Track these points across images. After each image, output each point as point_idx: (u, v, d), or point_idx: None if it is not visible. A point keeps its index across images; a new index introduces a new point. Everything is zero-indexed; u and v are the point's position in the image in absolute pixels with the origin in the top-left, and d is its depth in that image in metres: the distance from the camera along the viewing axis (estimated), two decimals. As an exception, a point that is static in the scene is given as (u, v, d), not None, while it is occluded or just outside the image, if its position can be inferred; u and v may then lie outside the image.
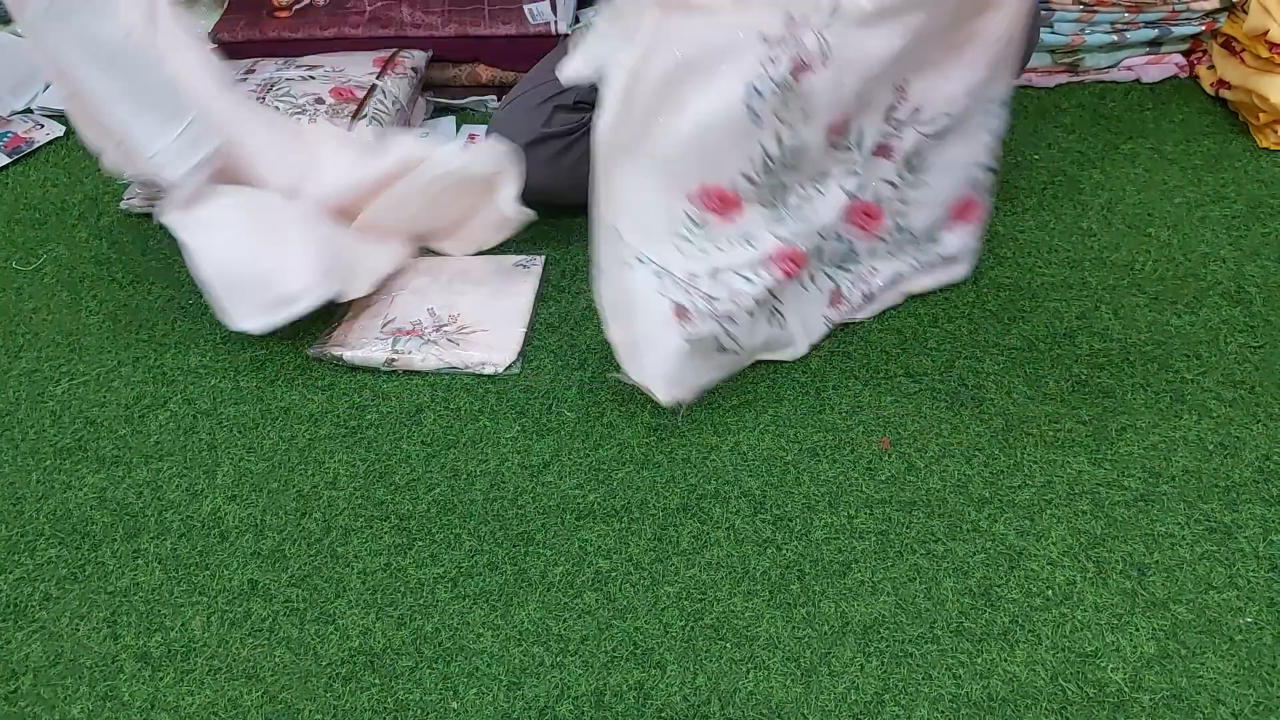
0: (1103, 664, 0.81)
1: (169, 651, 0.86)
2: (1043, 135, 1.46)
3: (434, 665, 0.84)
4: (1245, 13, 1.41)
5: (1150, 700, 0.79)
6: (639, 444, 1.02)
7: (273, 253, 1.11)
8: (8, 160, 1.52)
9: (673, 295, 0.97)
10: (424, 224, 1.26)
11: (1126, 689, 0.80)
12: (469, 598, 0.89)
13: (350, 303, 1.21)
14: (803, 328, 1.08)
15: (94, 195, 1.42)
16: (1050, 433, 1.01)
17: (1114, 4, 1.49)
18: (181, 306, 1.23)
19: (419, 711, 0.81)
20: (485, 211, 1.23)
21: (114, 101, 1.07)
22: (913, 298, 1.16)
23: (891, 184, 1.05)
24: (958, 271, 1.17)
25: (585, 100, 1.27)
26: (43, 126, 1.59)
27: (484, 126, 1.49)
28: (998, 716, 0.79)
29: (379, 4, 1.57)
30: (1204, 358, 1.08)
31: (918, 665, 0.82)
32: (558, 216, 1.34)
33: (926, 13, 0.92)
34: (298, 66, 1.46)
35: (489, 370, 1.11)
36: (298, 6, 1.59)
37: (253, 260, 1.11)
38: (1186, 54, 1.57)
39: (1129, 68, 1.57)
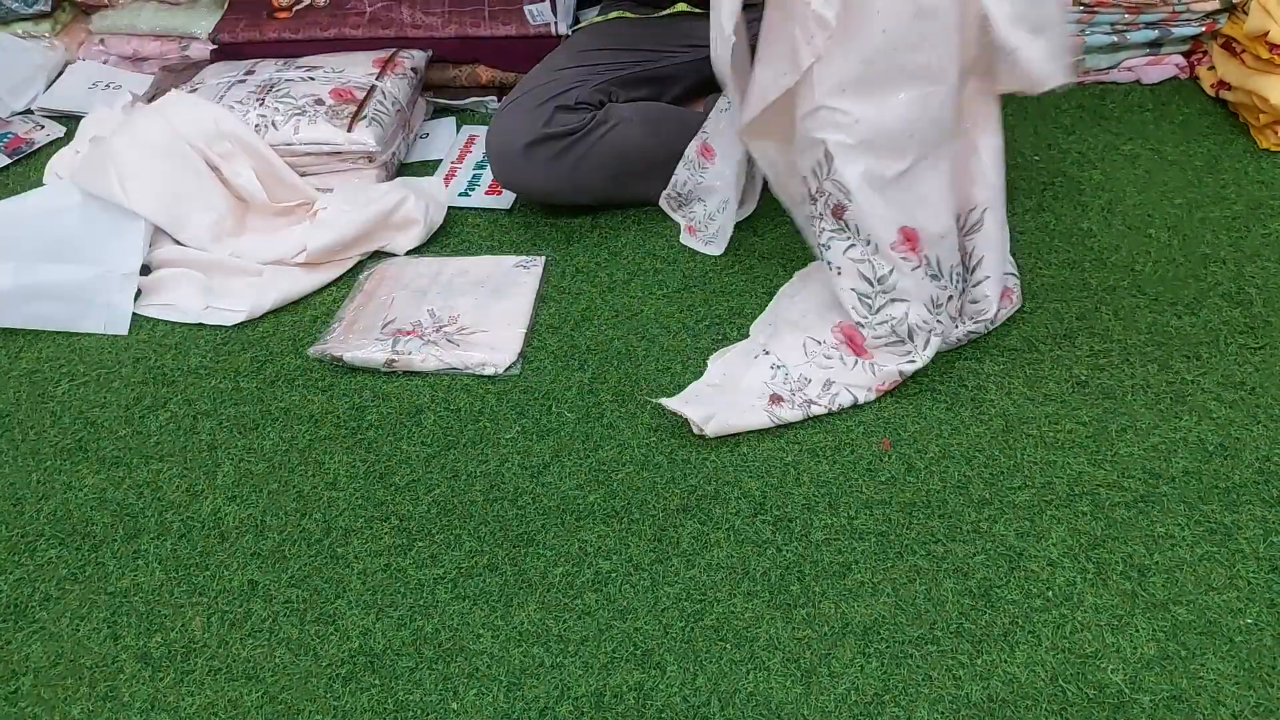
0: (1103, 665, 0.81)
1: (169, 652, 0.86)
2: (1043, 136, 1.46)
3: (434, 666, 0.84)
4: (1245, 14, 1.41)
5: (1150, 701, 0.79)
6: (639, 445, 1.02)
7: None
8: (8, 160, 1.52)
9: (777, 388, 1.04)
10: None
11: (1126, 690, 0.80)
12: (469, 598, 0.89)
13: (351, 304, 1.21)
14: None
15: (94, 196, 1.42)
16: (1050, 433, 1.01)
17: (1114, 5, 1.49)
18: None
19: (419, 712, 0.81)
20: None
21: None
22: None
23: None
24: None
25: (586, 101, 1.27)
26: (43, 127, 1.60)
27: (484, 127, 1.49)
28: (998, 718, 0.79)
29: (379, 5, 1.57)
30: (1204, 359, 1.08)
31: (918, 666, 0.82)
32: (558, 217, 1.35)
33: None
34: (298, 67, 1.46)
35: (489, 371, 1.11)
36: (298, 7, 1.59)
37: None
38: (1187, 55, 1.57)
39: (1129, 68, 1.57)
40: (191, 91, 1.41)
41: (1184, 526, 0.92)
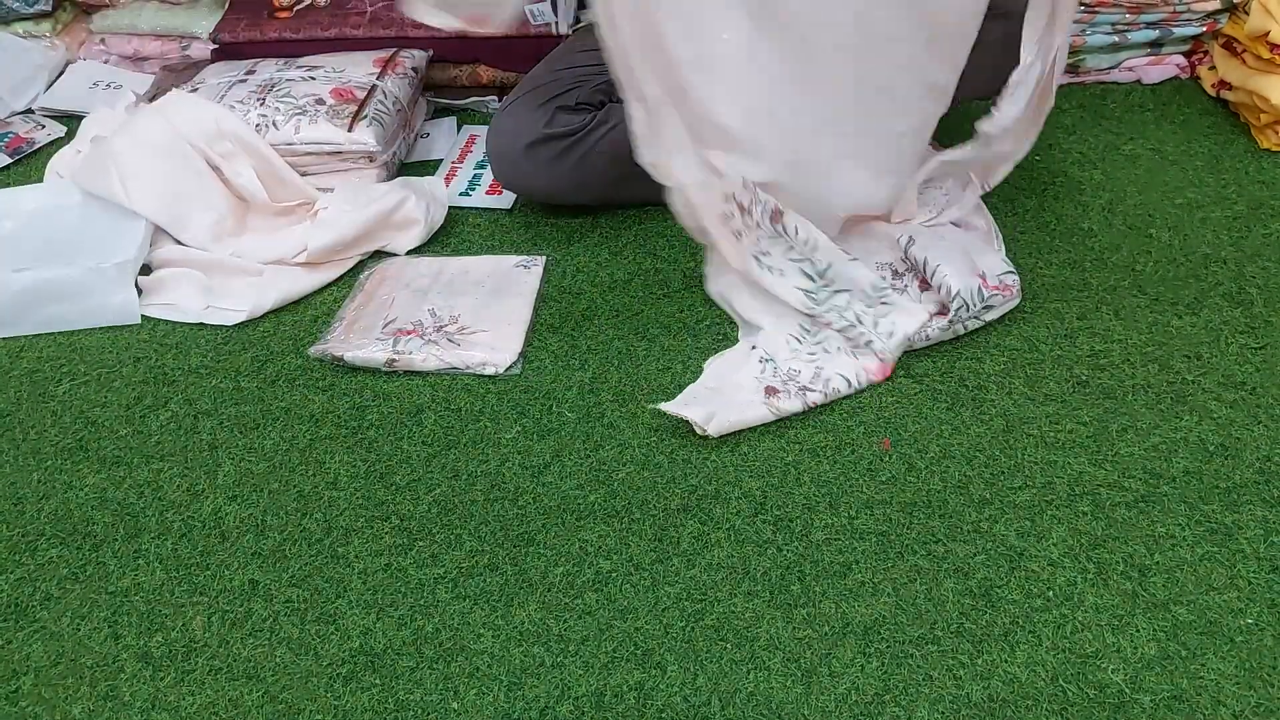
0: (1103, 665, 0.81)
1: (170, 651, 0.87)
2: (1043, 136, 1.45)
3: (434, 665, 0.84)
4: (1246, 14, 1.41)
5: (1151, 701, 0.79)
6: (639, 445, 1.02)
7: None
8: (9, 160, 1.52)
9: (769, 381, 1.05)
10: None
11: (1127, 690, 0.80)
12: (469, 598, 0.89)
13: (351, 304, 1.21)
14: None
15: (95, 195, 1.42)
16: (1051, 433, 1.01)
17: (1115, 5, 1.49)
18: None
19: (419, 712, 0.81)
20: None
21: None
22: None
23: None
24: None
25: (587, 101, 1.27)
26: (44, 127, 1.60)
27: (485, 127, 1.49)
28: (998, 718, 0.79)
29: (380, 4, 1.57)
30: (1205, 359, 1.08)
31: (918, 666, 0.82)
32: (558, 217, 1.35)
33: None
34: (298, 67, 1.46)
35: (490, 371, 1.11)
36: (299, 7, 1.59)
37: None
38: (1187, 55, 1.57)
39: (1130, 68, 1.57)
40: (192, 91, 1.41)
41: (1185, 526, 0.92)
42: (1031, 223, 1.28)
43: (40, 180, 1.41)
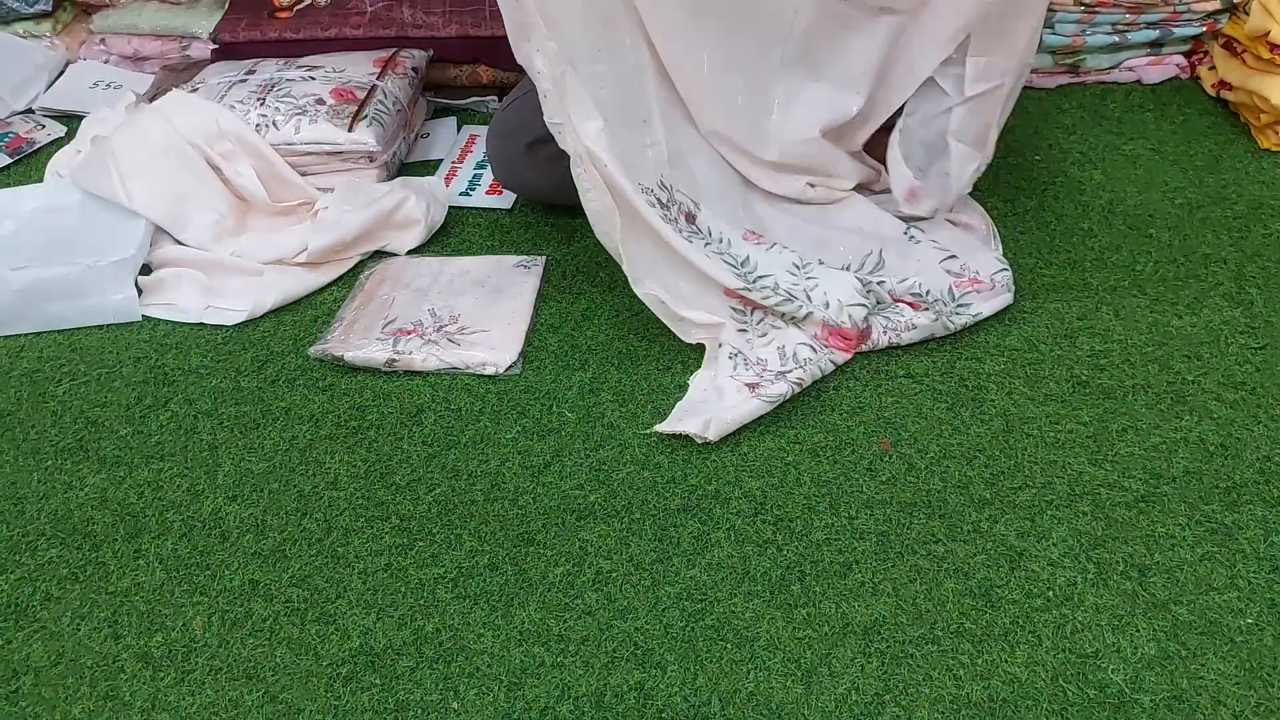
0: (1103, 665, 0.81)
1: (170, 651, 0.87)
2: (1044, 136, 1.46)
3: (434, 665, 0.84)
4: (1246, 14, 1.41)
5: (1151, 701, 0.79)
6: (639, 444, 1.02)
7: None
8: (9, 160, 1.52)
9: (744, 378, 1.05)
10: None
11: (1127, 690, 0.80)
12: (470, 598, 0.89)
13: (352, 304, 1.21)
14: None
15: (95, 195, 1.42)
16: (1051, 433, 1.01)
17: (1115, 5, 1.49)
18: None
19: (419, 712, 0.81)
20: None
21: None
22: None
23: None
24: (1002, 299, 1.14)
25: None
26: (44, 127, 1.60)
27: (485, 127, 1.49)
28: (998, 718, 0.79)
29: (380, 4, 1.57)
30: (1205, 359, 1.08)
31: (918, 666, 0.82)
32: (558, 217, 1.35)
33: None
34: (298, 67, 1.46)
35: (490, 371, 1.11)
36: (299, 7, 1.59)
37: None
38: (1187, 55, 1.57)
39: (1130, 68, 1.57)
40: (192, 91, 1.41)
41: (1185, 526, 0.92)
42: (1031, 223, 1.28)
43: (40, 180, 1.41)
